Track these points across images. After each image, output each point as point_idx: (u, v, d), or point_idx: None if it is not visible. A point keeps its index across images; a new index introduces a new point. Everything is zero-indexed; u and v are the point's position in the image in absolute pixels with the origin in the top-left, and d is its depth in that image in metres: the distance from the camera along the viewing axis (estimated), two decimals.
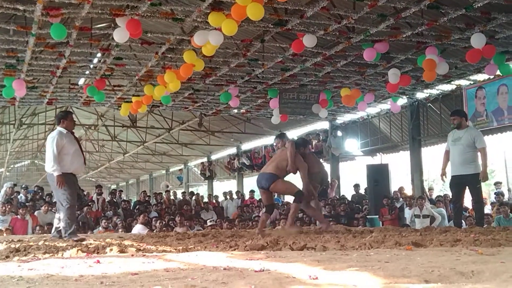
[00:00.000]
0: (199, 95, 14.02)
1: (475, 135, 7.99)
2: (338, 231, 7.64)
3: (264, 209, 8.34)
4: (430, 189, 15.68)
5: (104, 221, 11.78)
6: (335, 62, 11.07)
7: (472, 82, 12.50)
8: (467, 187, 8.16)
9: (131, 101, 13.35)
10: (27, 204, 12.95)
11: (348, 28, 9.29)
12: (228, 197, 17.43)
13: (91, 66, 11.71)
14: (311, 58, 10.76)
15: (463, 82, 12.68)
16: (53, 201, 13.51)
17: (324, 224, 8.16)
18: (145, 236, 7.81)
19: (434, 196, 14.46)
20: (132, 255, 4.63)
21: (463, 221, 12.01)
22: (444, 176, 8.38)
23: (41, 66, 11.12)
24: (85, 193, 15.77)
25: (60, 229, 7.15)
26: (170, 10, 8.54)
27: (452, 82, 12.84)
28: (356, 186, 15.85)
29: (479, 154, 7.93)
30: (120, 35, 8.36)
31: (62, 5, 7.88)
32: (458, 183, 8.13)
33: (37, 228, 11.22)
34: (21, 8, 7.80)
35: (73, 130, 7.53)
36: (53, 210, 12.38)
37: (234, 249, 5.05)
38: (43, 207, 12.18)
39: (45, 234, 9.23)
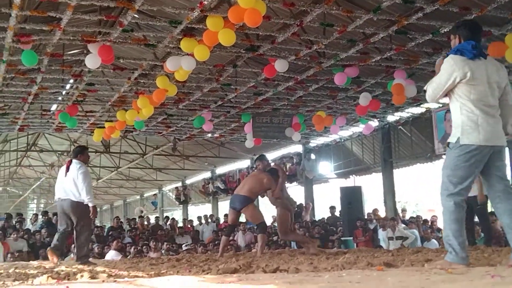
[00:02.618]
0: (172, 120, 14.03)
1: None
2: (312, 253, 7.68)
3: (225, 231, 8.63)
4: (403, 210, 15.82)
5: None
6: (307, 87, 11.22)
7: (441, 105, 12.72)
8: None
9: (104, 127, 13.28)
10: None
11: (319, 53, 9.45)
12: (203, 221, 17.35)
13: (63, 92, 11.66)
14: (283, 83, 10.88)
15: (432, 105, 12.90)
16: (31, 230, 13.30)
17: (310, 245, 7.87)
18: (118, 262, 7.75)
19: (407, 217, 14.60)
20: (103, 281, 4.59)
21: (435, 240, 12.17)
22: None
23: (12, 92, 11.05)
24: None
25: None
26: (142, 36, 8.59)
27: (422, 105, 13.04)
28: (332, 208, 15.84)
29: None
30: (92, 61, 8.38)
31: (33, 31, 7.87)
32: None
33: (9, 255, 11.05)
34: None
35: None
36: (24, 238, 12.22)
37: (207, 273, 5.03)
38: (13, 235, 11.98)
39: (15, 262, 9.09)
